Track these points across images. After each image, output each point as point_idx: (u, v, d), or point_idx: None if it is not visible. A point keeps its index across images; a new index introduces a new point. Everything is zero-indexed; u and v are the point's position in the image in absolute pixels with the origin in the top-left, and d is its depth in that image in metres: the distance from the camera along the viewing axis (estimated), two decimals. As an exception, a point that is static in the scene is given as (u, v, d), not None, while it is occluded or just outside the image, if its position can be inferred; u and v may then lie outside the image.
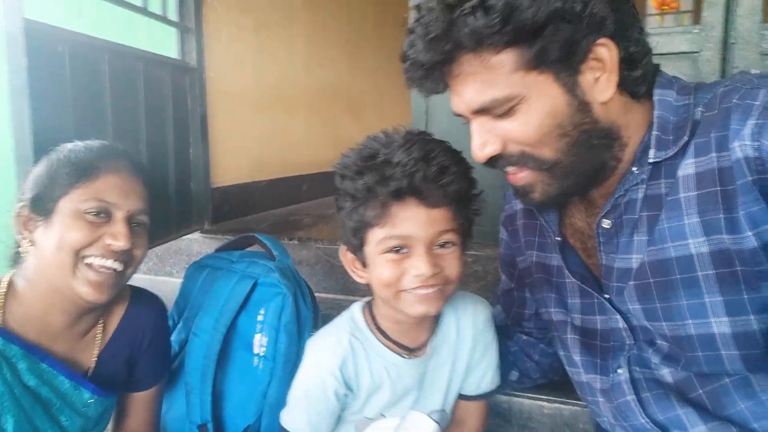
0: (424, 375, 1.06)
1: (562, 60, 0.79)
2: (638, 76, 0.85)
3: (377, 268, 0.94)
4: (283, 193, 3.22)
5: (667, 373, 0.91)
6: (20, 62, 1.36)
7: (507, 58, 0.79)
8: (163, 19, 2.24)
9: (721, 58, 1.71)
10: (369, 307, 1.08)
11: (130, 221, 1.07)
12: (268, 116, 3.18)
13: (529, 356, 1.26)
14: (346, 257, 1.03)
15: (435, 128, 2.05)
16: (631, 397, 0.95)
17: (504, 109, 0.82)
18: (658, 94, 0.87)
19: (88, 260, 1.02)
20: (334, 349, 1.02)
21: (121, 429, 1.24)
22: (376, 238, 0.92)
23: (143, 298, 1.23)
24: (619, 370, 0.96)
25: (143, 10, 2.08)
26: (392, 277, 0.92)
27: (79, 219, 1.01)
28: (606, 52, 0.81)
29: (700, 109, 0.83)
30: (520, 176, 0.88)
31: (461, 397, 1.12)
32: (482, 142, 0.86)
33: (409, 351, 1.05)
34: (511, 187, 0.93)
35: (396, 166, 0.88)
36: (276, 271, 1.38)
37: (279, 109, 3.28)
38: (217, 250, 1.60)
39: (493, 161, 0.88)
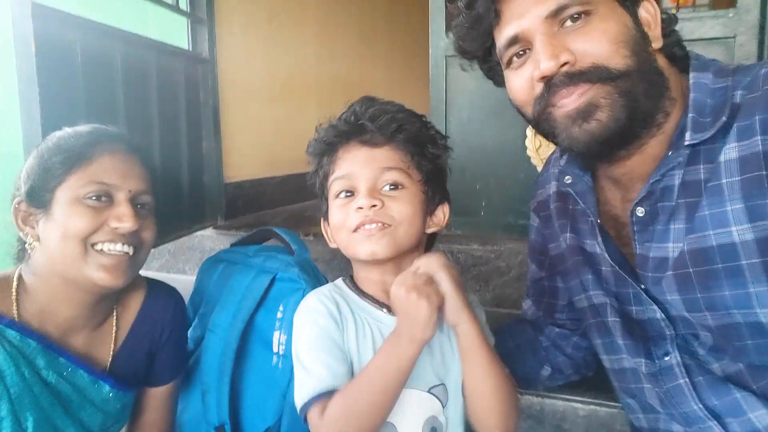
0: None
1: None
2: (672, 40, 0.89)
3: (332, 215, 0.98)
4: (296, 189, 3.17)
5: (716, 368, 0.88)
6: (28, 49, 1.31)
7: None
8: (175, 8, 2.19)
9: (757, 42, 1.64)
10: (349, 278, 1.06)
11: (134, 202, 1.02)
12: (280, 109, 3.13)
13: (561, 350, 1.22)
14: (325, 230, 1.06)
15: (454, 118, 1.99)
16: (683, 381, 0.91)
17: (580, 10, 0.81)
18: (693, 77, 0.85)
19: (98, 246, 0.98)
20: (318, 298, 1.00)
21: (138, 425, 1.21)
22: (329, 185, 0.98)
23: (160, 290, 1.20)
24: (666, 357, 0.93)
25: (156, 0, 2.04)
26: (342, 218, 0.95)
27: (79, 205, 0.97)
28: (650, 6, 0.86)
29: (740, 91, 0.81)
30: (585, 92, 0.82)
31: None
32: (553, 51, 0.82)
33: (390, 310, 0.97)
34: (565, 119, 0.85)
35: (340, 116, 0.97)
36: (295, 265, 1.33)
37: (291, 102, 3.23)
38: (233, 245, 1.55)
39: (553, 85, 0.84)
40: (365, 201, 0.92)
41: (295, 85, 3.28)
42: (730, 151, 0.79)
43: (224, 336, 1.30)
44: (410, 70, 4.62)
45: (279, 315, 1.30)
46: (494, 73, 0.99)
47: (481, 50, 0.95)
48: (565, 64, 0.82)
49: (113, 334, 1.11)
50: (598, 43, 0.81)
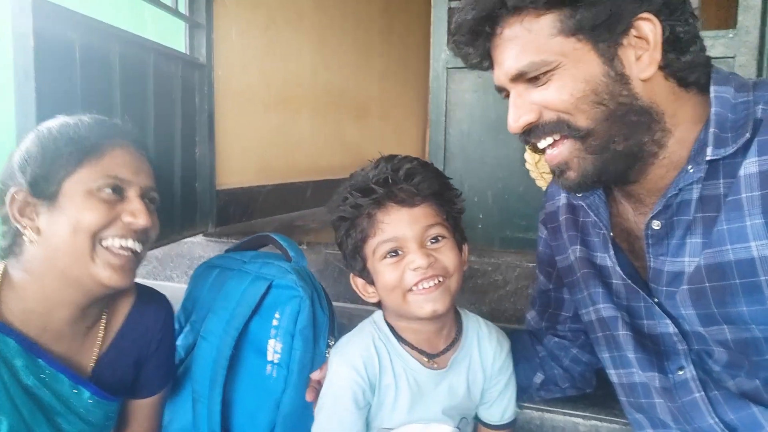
0: (443, 388, 1.07)
1: (601, 29, 0.80)
2: (687, 61, 0.83)
3: (380, 276, 1.01)
4: (288, 198, 3.15)
5: (732, 385, 0.87)
6: (27, 43, 1.29)
7: (547, 23, 0.81)
8: (174, 12, 2.17)
9: (756, 64, 1.66)
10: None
11: (143, 199, 1.01)
12: (274, 118, 3.11)
13: (558, 360, 1.22)
14: (356, 283, 1.10)
15: (454, 130, 1.99)
16: (699, 395, 0.90)
17: (539, 73, 0.82)
18: (714, 90, 0.84)
19: (106, 242, 0.95)
20: (360, 350, 1.06)
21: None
22: (371, 248, 1.00)
23: (150, 296, 1.16)
24: (680, 372, 0.92)
25: (155, 1, 2.01)
26: (395, 278, 0.98)
27: (92, 199, 0.94)
28: (649, 27, 0.80)
29: (761, 106, 0.80)
30: (556, 151, 0.87)
31: (487, 426, 1.14)
32: (517, 114, 0.87)
33: (429, 357, 1.07)
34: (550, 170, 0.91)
35: (370, 181, 0.99)
36: (292, 272, 1.30)
37: (286, 111, 3.21)
38: (228, 251, 1.52)
39: (529, 134, 0.88)
40: (422, 261, 0.96)
41: (291, 94, 3.27)
42: (750, 166, 0.78)
43: (217, 343, 1.27)
44: (405, 84, 4.64)
45: (275, 323, 1.27)
46: None
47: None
48: (527, 124, 0.86)
49: (99, 339, 1.07)
50: (559, 101, 0.83)
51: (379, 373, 1.04)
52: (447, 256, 0.99)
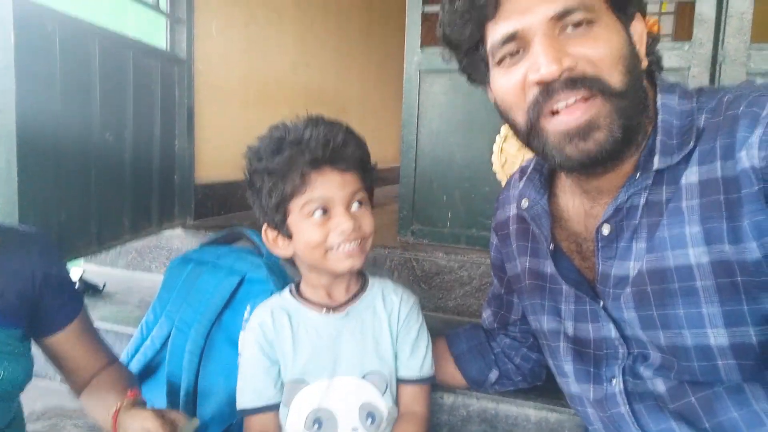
0: (344, 333, 1.13)
1: (624, 8, 0.82)
2: (651, 60, 0.88)
3: (304, 233, 1.07)
4: (266, 192, 3.18)
5: (659, 382, 0.90)
6: (7, 39, 1.32)
7: None
8: (155, 8, 2.20)
9: (709, 75, 1.74)
10: (295, 285, 1.21)
11: None
12: (254, 114, 3.14)
13: (510, 358, 1.26)
14: (267, 236, 1.15)
15: (425, 130, 2.05)
16: (624, 409, 0.94)
17: (585, 17, 0.78)
18: (660, 98, 0.86)
19: None
20: (260, 317, 1.15)
21: (65, 372, 1.18)
22: (298, 206, 1.05)
23: (14, 239, 1.10)
24: (614, 380, 0.95)
25: (135, -2, 2.05)
26: (319, 237, 1.05)
27: None
28: (640, 26, 0.85)
29: (704, 115, 0.82)
30: (581, 109, 0.79)
31: (406, 382, 1.16)
32: (555, 55, 0.77)
33: (329, 309, 1.14)
34: (560, 137, 0.81)
35: (309, 140, 1.03)
36: (264, 267, 1.36)
37: (265, 108, 3.25)
38: (203, 245, 1.57)
39: (548, 92, 0.79)
40: (349, 225, 1.04)
41: (270, 91, 3.30)
42: (691, 175, 0.80)
43: (191, 334, 1.32)
44: (383, 86, 4.70)
45: (246, 315, 1.33)
46: (474, 69, 0.93)
47: (469, 43, 0.88)
48: (567, 69, 0.78)
49: None
50: (602, 52, 0.78)
51: (276, 331, 1.12)
52: (367, 220, 1.09)
